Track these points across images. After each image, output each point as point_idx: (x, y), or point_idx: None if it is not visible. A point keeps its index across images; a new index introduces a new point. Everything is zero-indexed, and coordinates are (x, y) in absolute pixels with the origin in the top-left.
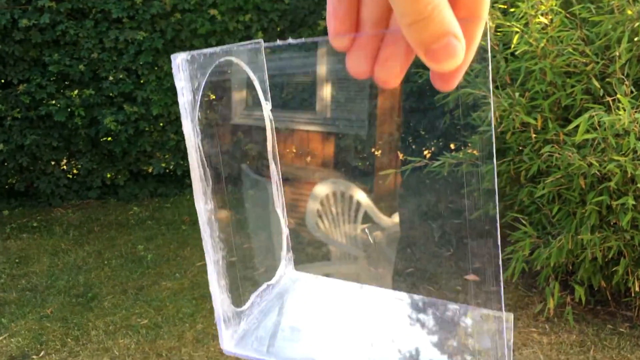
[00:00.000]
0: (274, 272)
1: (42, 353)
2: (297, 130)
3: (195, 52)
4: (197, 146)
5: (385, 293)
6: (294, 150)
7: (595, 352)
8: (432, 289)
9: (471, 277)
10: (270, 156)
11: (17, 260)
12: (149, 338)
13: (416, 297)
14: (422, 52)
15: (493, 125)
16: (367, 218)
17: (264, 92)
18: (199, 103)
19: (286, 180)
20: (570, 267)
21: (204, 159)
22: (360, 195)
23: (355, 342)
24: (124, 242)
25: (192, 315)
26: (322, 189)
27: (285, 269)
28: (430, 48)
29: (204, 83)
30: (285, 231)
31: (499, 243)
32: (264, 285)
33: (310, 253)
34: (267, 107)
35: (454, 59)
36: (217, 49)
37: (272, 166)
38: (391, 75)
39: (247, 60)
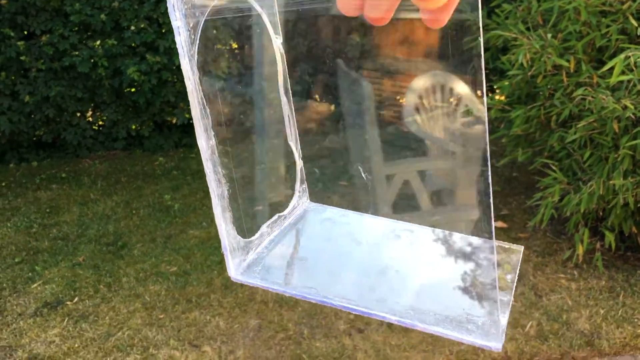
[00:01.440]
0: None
1: (75, 299)
2: (399, 20)
3: None
4: (195, 84)
5: (396, 224)
6: (395, 41)
7: (624, 297)
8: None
9: (499, 224)
10: (281, 90)
11: (47, 210)
12: (178, 285)
13: (427, 228)
14: None
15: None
16: (468, 111)
17: (274, 26)
18: (197, 41)
19: (387, 72)
20: (601, 213)
21: (203, 96)
22: (461, 87)
23: (359, 273)
24: (151, 192)
25: (220, 263)
26: (420, 82)
27: (299, 201)
28: None
29: (202, 21)
30: (299, 163)
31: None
32: (276, 216)
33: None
34: (277, 41)
35: None
36: None
37: (284, 99)
38: (381, 12)
39: None
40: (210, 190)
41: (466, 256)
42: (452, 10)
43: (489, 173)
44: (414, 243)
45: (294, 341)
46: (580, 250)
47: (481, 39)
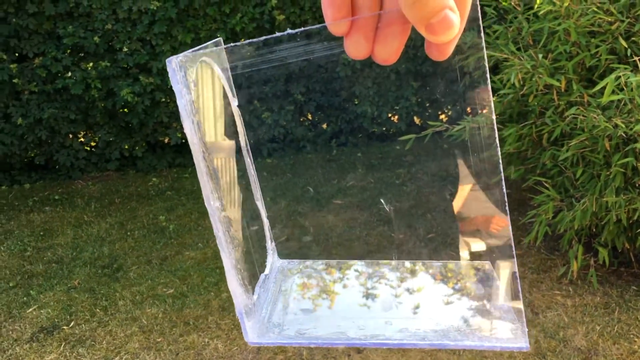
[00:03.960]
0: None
1: (72, 323)
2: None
3: (188, 53)
4: (201, 146)
5: (375, 265)
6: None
7: (619, 313)
8: (454, 254)
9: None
10: (243, 151)
11: (41, 233)
12: (175, 307)
13: (407, 262)
14: (423, 27)
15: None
16: None
17: (231, 88)
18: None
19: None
20: (594, 230)
21: (210, 157)
22: None
23: (367, 312)
24: (145, 213)
25: (217, 284)
26: None
27: (273, 259)
28: (430, 23)
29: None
30: (266, 222)
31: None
32: (262, 277)
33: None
34: (234, 102)
35: (452, 29)
36: (204, 50)
37: (247, 160)
38: (392, 53)
39: (232, 59)
40: (222, 252)
41: (457, 277)
42: (457, 41)
43: (503, 184)
44: (401, 276)
45: None
46: (575, 266)
47: (484, 52)
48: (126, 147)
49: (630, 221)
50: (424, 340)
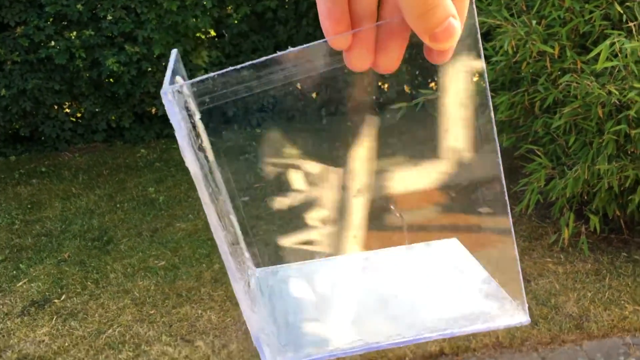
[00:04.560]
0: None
1: (63, 297)
2: None
3: (185, 83)
4: (206, 178)
5: (356, 256)
6: None
7: (610, 280)
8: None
9: (484, 209)
10: (213, 165)
11: (29, 206)
12: (167, 279)
13: (387, 250)
14: (427, 37)
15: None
16: None
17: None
18: (203, 133)
19: None
20: (585, 197)
21: (215, 188)
22: None
23: (368, 311)
24: (134, 185)
25: (209, 256)
26: None
27: (251, 271)
28: (434, 32)
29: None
30: (240, 234)
31: None
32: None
33: None
34: (196, 115)
35: (454, 37)
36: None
37: (217, 176)
38: (394, 62)
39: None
40: (233, 281)
41: (444, 259)
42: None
43: (498, 150)
44: (388, 266)
45: None
46: (566, 234)
47: (476, 19)
48: (113, 118)
49: (622, 188)
50: (433, 333)
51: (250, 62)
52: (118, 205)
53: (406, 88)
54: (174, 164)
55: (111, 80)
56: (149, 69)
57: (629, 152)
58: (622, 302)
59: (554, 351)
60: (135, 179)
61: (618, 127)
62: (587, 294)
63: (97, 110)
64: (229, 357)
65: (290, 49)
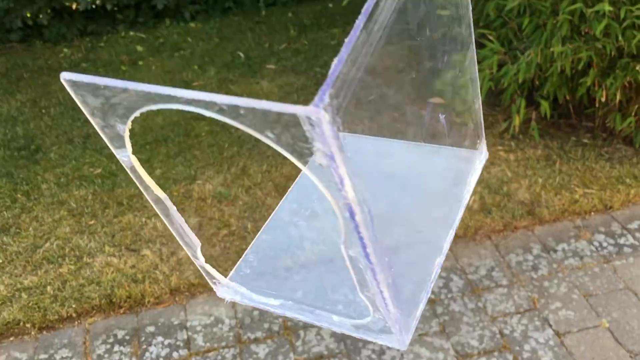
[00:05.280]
0: None
1: None
2: None
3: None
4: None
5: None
6: None
7: (561, 164)
8: (397, 114)
9: (436, 99)
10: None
11: None
12: (105, 187)
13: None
14: None
15: None
16: None
17: None
18: None
19: None
20: (536, 83)
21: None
22: None
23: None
24: (60, 88)
25: (149, 161)
26: None
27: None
28: None
29: None
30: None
31: None
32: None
33: None
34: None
35: None
36: None
37: (161, 195)
38: None
39: None
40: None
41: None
42: None
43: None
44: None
45: (239, 236)
46: (517, 121)
47: None
48: (28, 14)
49: (574, 71)
50: None
51: None
52: (44, 111)
53: None
54: (101, 63)
55: None
56: None
57: (583, 33)
58: (572, 186)
59: (507, 238)
60: (59, 81)
61: (573, 7)
62: (538, 180)
63: (10, 6)
64: (178, 264)
65: None
